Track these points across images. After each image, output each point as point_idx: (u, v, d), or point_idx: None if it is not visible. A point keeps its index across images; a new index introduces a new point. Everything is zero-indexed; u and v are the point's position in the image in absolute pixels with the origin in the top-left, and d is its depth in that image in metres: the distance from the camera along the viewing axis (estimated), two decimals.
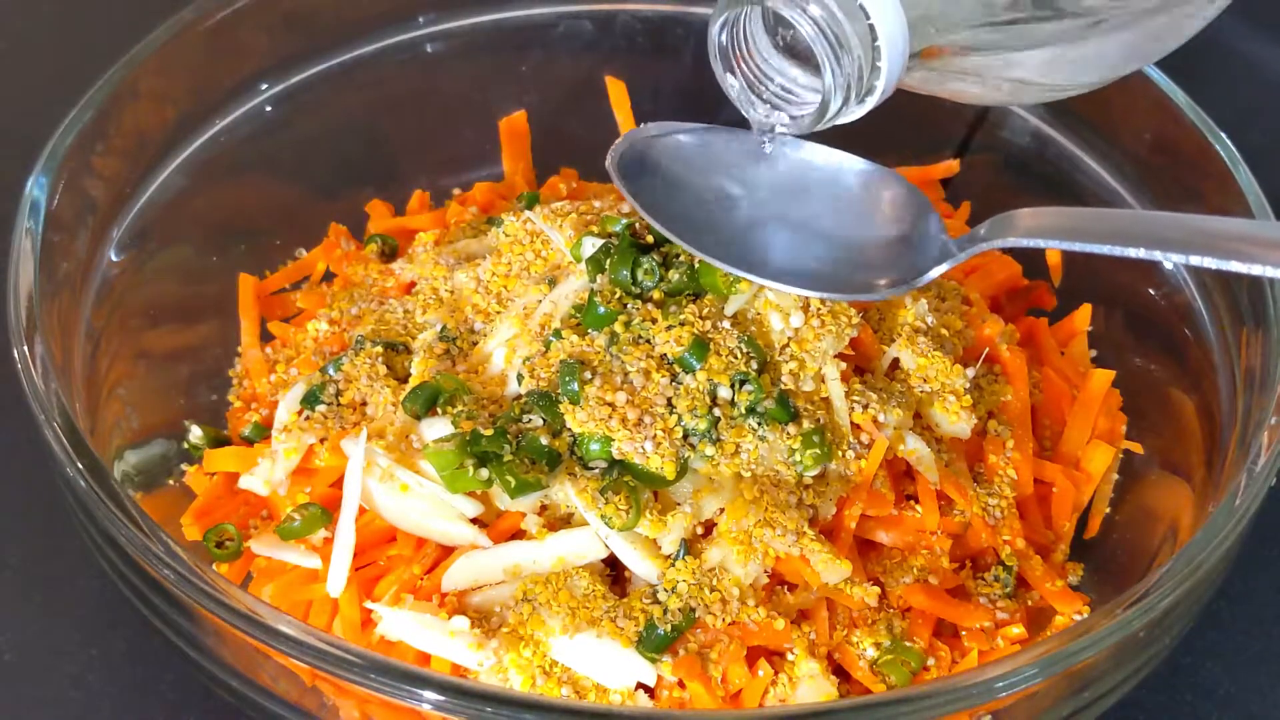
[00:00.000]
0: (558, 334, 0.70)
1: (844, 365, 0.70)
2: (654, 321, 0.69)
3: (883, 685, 0.66)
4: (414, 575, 0.68)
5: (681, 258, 0.71)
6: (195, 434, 0.78)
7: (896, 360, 0.73)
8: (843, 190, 0.69)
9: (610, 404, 0.67)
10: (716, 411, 0.67)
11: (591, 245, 0.73)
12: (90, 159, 0.76)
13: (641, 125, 0.74)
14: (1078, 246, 0.62)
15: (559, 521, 0.69)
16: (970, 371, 0.73)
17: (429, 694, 0.54)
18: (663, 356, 0.68)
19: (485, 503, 0.69)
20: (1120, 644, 0.59)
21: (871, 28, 0.61)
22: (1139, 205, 0.83)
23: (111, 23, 1.09)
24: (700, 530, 0.67)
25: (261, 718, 0.64)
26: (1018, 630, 0.70)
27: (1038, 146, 0.89)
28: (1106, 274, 0.85)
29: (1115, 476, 0.78)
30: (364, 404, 0.74)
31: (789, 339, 0.70)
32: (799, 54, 0.66)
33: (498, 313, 0.76)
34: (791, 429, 0.68)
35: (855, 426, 0.70)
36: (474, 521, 0.68)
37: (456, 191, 0.93)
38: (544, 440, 0.67)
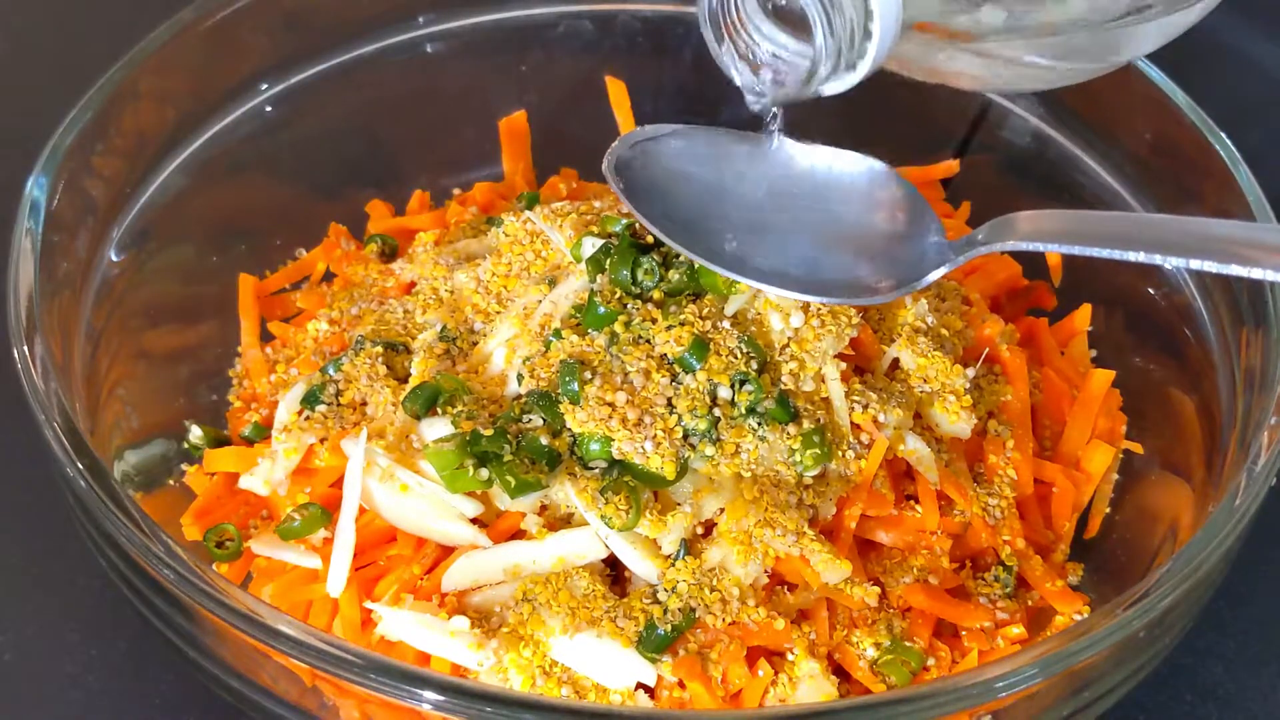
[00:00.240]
0: (558, 334, 0.70)
1: (844, 365, 0.70)
2: (654, 321, 0.69)
3: (883, 685, 0.66)
4: (414, 575, 0.68)
5: (681, 258, 0.71)
6: (195, 434, 0.78)
7: (896, 360, 0.73)
8: (841, 192, 0.69)
9: (610, 404, 0.67)
10: (716, 411, 0.67)
11: (591, 245, 0.73)
12: (90, 159, 0.75)
13: (639, 128, 0.73)
14: (1077, 250, 0.62)
15: (559, 521, 0.69)
16: (970, 371, 0.73)
17: (429, 694, 0.54)
18: (663, 356, 0.68)
19: (485, 503, 0.69)
20: (1120, 644, 0.59)
21: None
22: (1139, 205, 0.83)
23: (111, 23, 1.09)
24: (700, 530, 0.67)
25: (261, 718, 0.64)
26: (1018, 630, 0.70)
27: (1038, 146, 0.89)
28: (1106, 274, 0.85)
29: (1115, 476, 0.78)
30: (364, 404, 0.74)
31: (789, 339, 0.70)
32: (790, 20, 0.65)
33: (498, 313, 0.76)
34: (791, 429, 0.68)
35: (855, 426, 0.70)
36: (474, 521, 0.68)
37: (456, 191, 0.93)
38: (544, 440, 0.67)
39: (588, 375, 0.68)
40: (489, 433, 0.67)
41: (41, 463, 0.64)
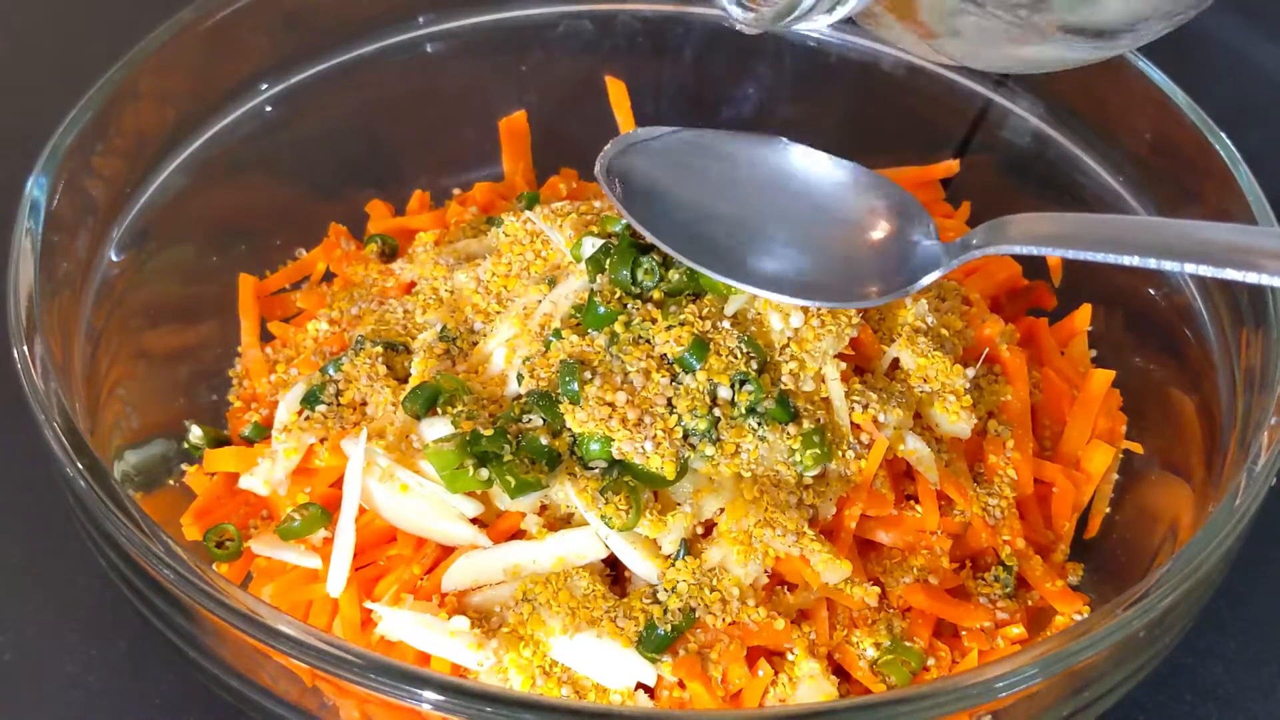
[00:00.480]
0: (558, 334, 0.70)
1: (844, 365, 0.70)
2: (654, 321, 0.69)
3: (883, 685, 0.66)
4: (414, 575, 0.68)
5: None
6: (195, 434, 0.78)
7: (896, 360, 0.73)
8: (836, 196, 0.68)
9: (610, 404, 0.67)
10: (716, 411, 0.67)
11: (591, 245, 0.73)
12: (90, 159, 0.75)
13: (631, 130, 0.73)
14: (1071, 254, 0.62)
15: (559, 521, 0.69)
16: (970, 371, 0.73)
17: (429, 694, 0.54)
18: (663, 356, 0.68)
19: (485, 503, 0.69)
20: (1120, 644, 0.59)
21: None
22: (1139, 205, 0.83)
23: (111, 23, 1.09)
24: (700, 530, 0.67)
25: (261, 718, 0.64)
26: (1018, 630, 0.70)
27: (1038, 146, 0.89)
28: (1106, 274, 0.84)
29: (1115, 476, 0.78)
30: (364, 404, 0.74)
31: (789, 339, 0.70)
32: None
33: (498, 313, 0.76)
34: (791, 429, 0.68)
35: (855, 426, 0.70)
36: (474, 521, 0.68)
37: (456, 191, 0.93)
38: (544, 440, 0.67)
39: (588, 375, 0.68)
40: (489, 433, 0.67)
41: (41, 463, 0.64)
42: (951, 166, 0.90)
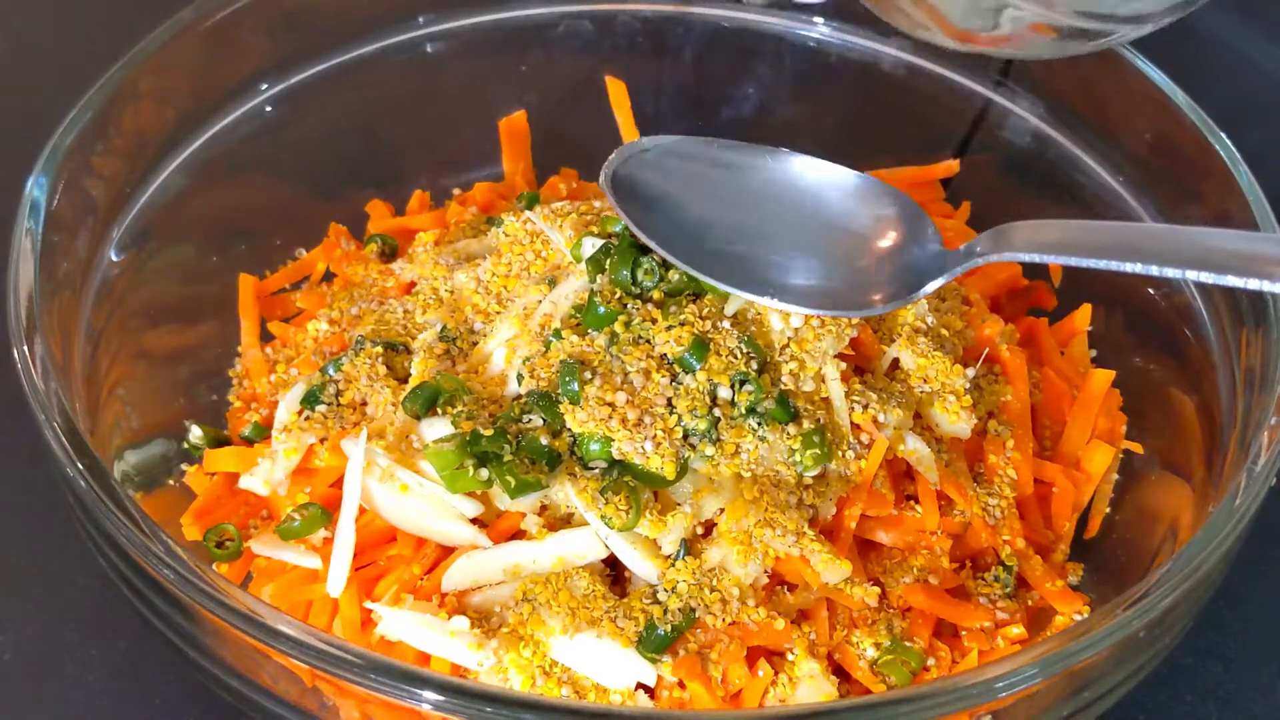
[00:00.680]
0: (558, 334, 0.70)
1: (844, 365, 0.70)
2: (654, 321, 0.69)
3: (883, 685, 0.66)
4: (414, 575, 0.68)
5: None
6: (195, 434, 0.78)
7: (896, 360, 0.73)
8: (839, 203, 0.68)
9: (610, 404, 0.67)
10: (716, 411, 0.67)
11: (591, 245, 0.73)
12: (90, 159, 0.75)
13: (635, 140, 0.73)
14: (1074, 261, 0.62)
15: (559, 521, 0.69)
16: (970, 371, 0.73)
17: (429, 694, 0.54)
18: (663, 356, 0.68)
19: (485, 503, 0.69)
20: (1120, 644, 0.59)
21: None
22: (1139, 205, 0.83)
23: (111, 23, 1.09)
24: (700, 530, 0.67)
25: (261, 718, 0.64)
26: (1018, 630, 0.70)
27: (1038, 146, 0.89)
28: (1106, 274, 0.84)
29: (1115, 476, 0.78)
30: (364, 404, 0.74)
31: (789, 339, 0.70)
32: None
33: (498, 313, 0.76)
34: (791, 429, 0.68)
35: (855, 426, 0.70)
36: (474, 521, 0.68)
37: (456, 191, 0.93)
38: (544, 440, 0.67)
39: (588, 375, 0.68)
40: (489, 433, 0.67)
41: (41, 463, 0.64)
42: (951, 166, 0.90)
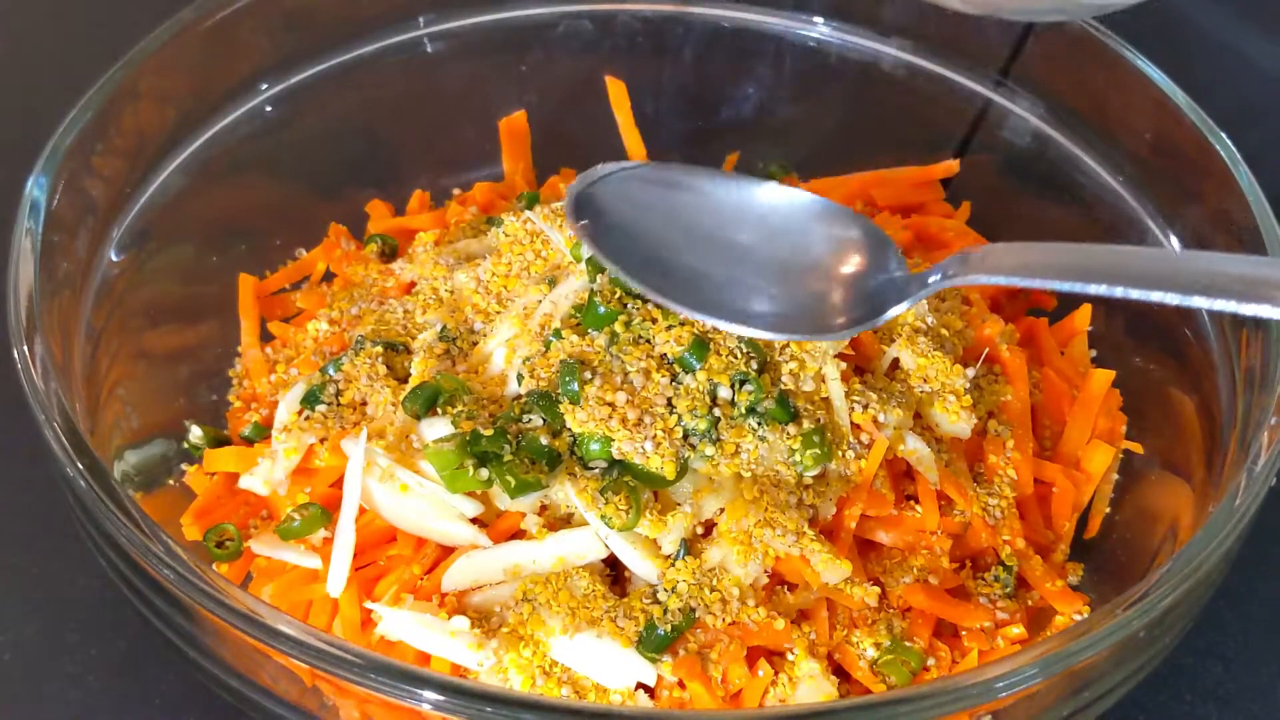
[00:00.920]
0: (558, 334, 0.70)
1: (844, 365, 0.70)
2: (654, 321, 0.69)
3: (883, 685, 0.66)
4: (414, 575, 0.68)
5: None
6: (195, 434, 0.78)
7: (896, 360, 0.73)
8: (802, 229, 0.67)
9: (610, 404, 0.67)
10: (716, 411, 0.67)
11: None
12: (90, 159, 0.75)
13: (597, 165, 0.72)
14: (1037, 283, 0.61)
15: (559, 521, 0.69)
16: (970, 371, 0.73)
17: (429, 694, 0.54)
18: (663, 356, 0.68)
19: (485, 503, 0.69)
20: (1120, 644, 0.59)
21: None
22: (1139, 205, 0.83)
23: (111, 23, 1.09)
24: (700, 530, 0.67)
25: (261, 718, 0.64)
26: (1018, 630, 0.70)
27: (1038, 146, 0.89)
28: None
29: (1115, 476, 0.78)
30: (364, 404, 0.74)
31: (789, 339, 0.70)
32: None
33: (498, 313, 0.76)
34: (791, 429, 0.68)
35: (855, 426, 0.70)
36: (474, 521, 0.68)
37: (456, 191, 0.93)
38: (544, 440, 0.67)
39: (588, 375, 0.68)
40: (489, 433, 0.67)
41: (41, 463, 0.64)
42: (951, 166, 0.90)
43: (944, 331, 0.75)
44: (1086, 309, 0.83)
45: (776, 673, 0.66)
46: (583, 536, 0.67)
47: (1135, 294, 0.57)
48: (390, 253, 0.88)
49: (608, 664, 0.64)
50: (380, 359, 0.75)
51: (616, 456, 0.67)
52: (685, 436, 0.67)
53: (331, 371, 0.75)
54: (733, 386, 0.67)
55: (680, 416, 0.67)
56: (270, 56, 0.87)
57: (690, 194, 0.68)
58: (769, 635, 0.65)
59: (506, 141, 0.92)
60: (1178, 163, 0.81)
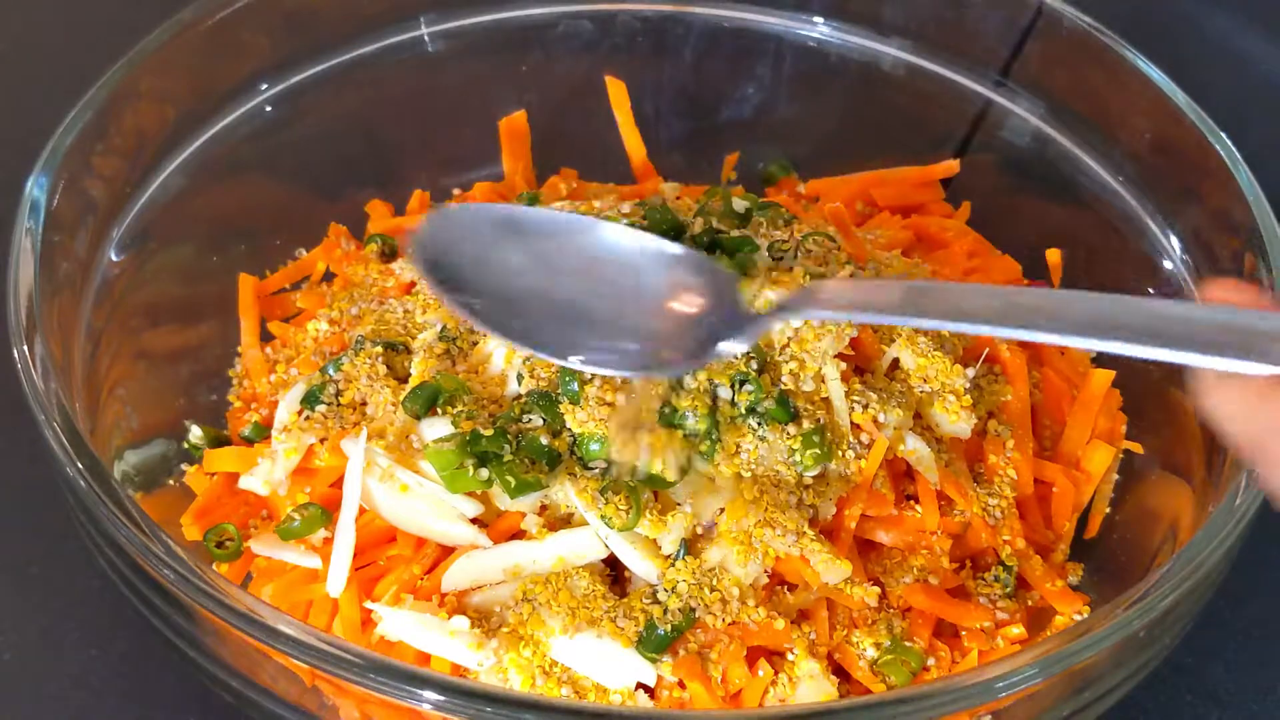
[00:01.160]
0: None
1: (844, 365, 0.70)
2: None
3: (883, 685, 0.66)
4: (414, 575, 0.68)
5: None
6: (195, 434, 0.78)
7: (896, 360, 0.73)
8: (645, 269, 0.67)
9: (610, 404, 0.67)
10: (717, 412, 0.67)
11: None
12: (90, 159, 0.75)
13: (444, 206, 0.71)
14: (874, 319, 0.62)
15: (559, 521, 0.69)
16: (970, 371, 0.73)
17: (429, 694, 0.54)
18: None
19: (485, 503, 0.69)
20: (1120, 644, 0.59)
21: None
22: (1139, 205, 0.83)
23: (111, 23, 1.09)
24: (700, 530, 0.67)
25: (261, 718, 0.64)
26: (1018, 630, 0.70)
27: (1038, 146, 0.89)
28: (1106, 274, 0.85)
29: (1115, 476, 0.78)
30: (364, 404, 0.74)
31: (789, 339, 0.70)
32: None
33: None
34: (791, 429, 0.68)
35: (855, 426, 0.70)
36: (474, 521, 0.68)
37: (456, 191, 0.93)
38: (544, 440, 0.67)
39: (587, 375, 0.68)
40: (489, 433, 0.67)
41: (41, 463, 0.64)
42: (951, 166, 0.90)
43: (944, 331, 0.75)
44: None
45: (776, 673, 0.66)
46: (583, 536, 0.67)
47: (966, 328, 0.56)
48: (390, 253, 0.87)
49: (608, 664, 0.64)
50: (380, 359, 0.75)
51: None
52: (685, 437, 0.67)
53: (331, 371, 0.75)
54: (733, 386, 0.67)
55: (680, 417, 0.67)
56: (270, 56, 0.87)
57: (535, 235, 0.67)
58: (769, 635, 0.65)
59: (506, 141, 0.92)
60: (1178, 163, 0.81)
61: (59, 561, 0.78)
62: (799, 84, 0.96)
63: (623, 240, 0.66)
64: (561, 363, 0.65)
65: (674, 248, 0.66)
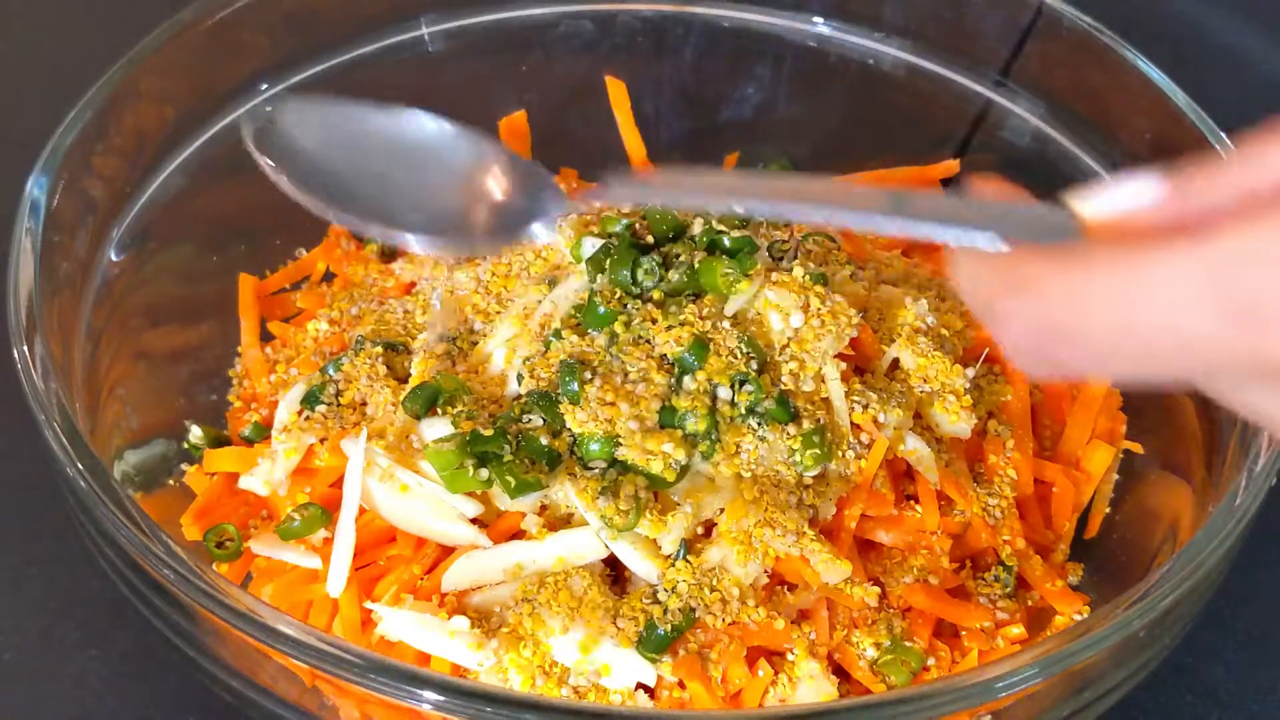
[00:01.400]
0: (558, 334, 0.70)
1: (844, 365, 0.70)
2: (654, 321, 0.69)
3: (883, 685, 0.66)
4: (414, 575, 0.68)
5: (682, 258, 0.71)
6: (195, 434, 0.78)
7: (896, 360, 0.73)
8: (451, 155, 0.69)
9: (611, 404, 0.67)
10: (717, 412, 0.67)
11: (591, 245, 0.73)
12: (90, 159, 0.75)
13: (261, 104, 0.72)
14: (683, 201, 0.63)
15: (559, 521, 0.69)
16: (970, 371, 0.73)
17: (429, 694, 0.54)
18: (663, 356, 0.68)
19: (485, 503, 0.69)
20: (1120, 644, 0.59)
21: None
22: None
23: (111, 23, 1.09)
24: (700, 530, 0.67)
25: (261, 718, 0.64)
26: (1018, 630, 0.70)
27: (1038, 146, 0.89)
28: None
29: (1115, 476, 0.78)
30: (364, 404, 0.74)
31: (789, 339, 0.70)
32: None
33: (498, 313, 0.76)
34: (791, 429, 0.68)
35: (855, 426, 0.70)
36: (474, 521, 0.68)
37: None
38: (544, 440, 0.67)
39: (588, 375, 0.68)
40: (489, 433, 0.67)
41: (41, 463, 0.64)
42: (951, 166, 0.90)
43: (944, 331, 0.75)
44: None
45: (776, 673, 0.66)
46: (583, 536, 0.67)
47: (784, 212, 0.55)
48: (390, 253, 0.87)
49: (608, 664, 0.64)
50: (380, 359, 0.75)
51: (617, 456, 0.67)
52: (685, 437, 0.67)
53: (331, 372, 0.75)
54: (733, 386, 0.67)
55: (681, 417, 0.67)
56: (270, 56, 0.87)
57: (363, 126, 0.70)
58: (769, 635, 0.65)
59: (506, 141, 0.92)
60: (1178, 163, 0.81)
61: (59, 561, 0.78)
62: (799, 84, 0.96)
63: (437, 129, 0.68)
64: (391, 235, 0.65)
65: (486, 138, 0.68)
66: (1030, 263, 0.43)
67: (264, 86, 0.87)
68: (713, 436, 0.67)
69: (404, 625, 0.65)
